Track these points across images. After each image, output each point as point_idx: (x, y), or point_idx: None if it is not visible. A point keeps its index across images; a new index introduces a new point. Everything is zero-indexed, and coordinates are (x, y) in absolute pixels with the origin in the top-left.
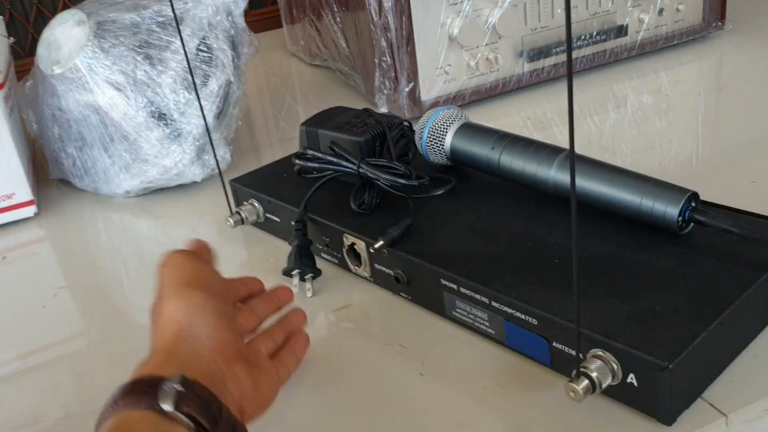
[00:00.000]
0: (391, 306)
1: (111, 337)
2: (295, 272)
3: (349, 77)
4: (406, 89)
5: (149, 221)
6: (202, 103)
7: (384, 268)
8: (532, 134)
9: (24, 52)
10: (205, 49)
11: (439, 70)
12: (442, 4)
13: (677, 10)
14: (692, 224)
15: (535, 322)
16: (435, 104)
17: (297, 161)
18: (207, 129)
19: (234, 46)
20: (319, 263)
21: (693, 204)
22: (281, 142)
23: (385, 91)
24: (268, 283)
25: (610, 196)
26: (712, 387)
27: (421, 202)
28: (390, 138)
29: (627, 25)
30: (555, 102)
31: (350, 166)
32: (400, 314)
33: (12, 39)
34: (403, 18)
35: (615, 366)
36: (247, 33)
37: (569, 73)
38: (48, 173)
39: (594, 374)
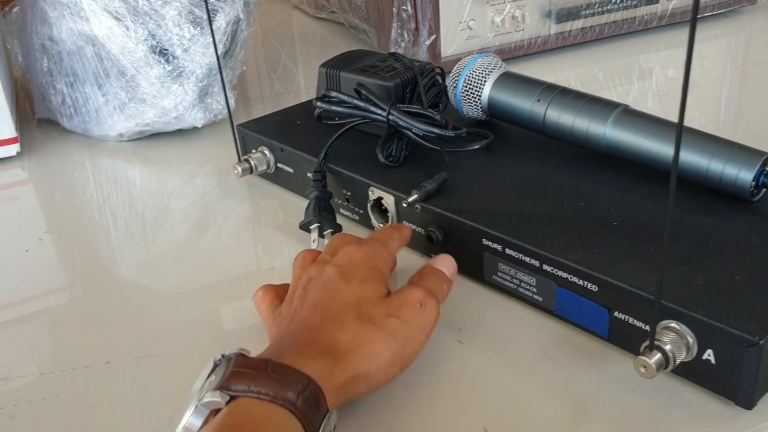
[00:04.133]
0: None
1: (94, 294)
2: (314, 226)
3: (359, 31)
4: (427, 42)
5: (142, 168)
6: (209, 39)
7: (414, 226)
8: None
9: None
10: None
11: (462, 25)
12: None
13: None
14: (764, 191)
15: (595, 288)
16: (455, 61)
17: (319, 103)
18: (219, 66)
19: None
20: (339, 220)
21: (767, 168)
22: (272, 98)
23: (403, 45)
24: (280, 241)
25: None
26: None
27: (456, 156)
28: (421, 85)
29: None
30: (581, 69)
31: (379, 112)
32: None
33: None
34: None
35: (691, 340)
36: None
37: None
38: (33, 112)
39: (668, 347)
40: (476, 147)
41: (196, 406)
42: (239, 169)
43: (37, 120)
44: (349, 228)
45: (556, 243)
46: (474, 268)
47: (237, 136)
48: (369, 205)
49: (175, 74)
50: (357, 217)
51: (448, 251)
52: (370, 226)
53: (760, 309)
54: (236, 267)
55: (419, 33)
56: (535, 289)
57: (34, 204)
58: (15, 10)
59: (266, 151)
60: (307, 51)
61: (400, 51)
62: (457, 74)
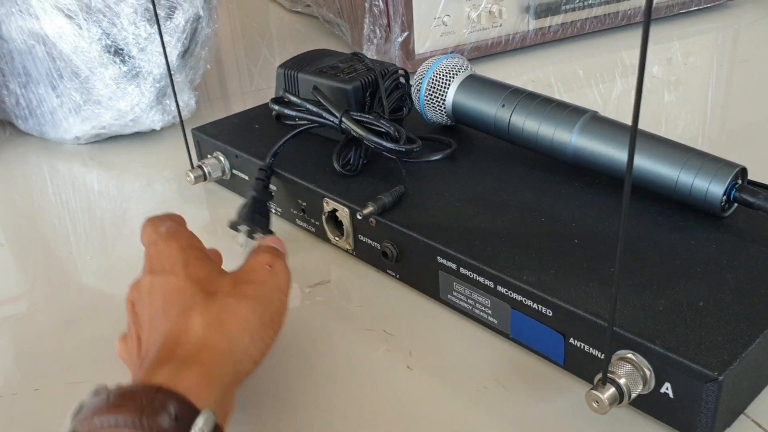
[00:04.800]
0: (376, 284)
1: (55, 300)
2: (243, 228)
3: (333, 25)
4: (399, 39)
5: (100, 172)
6: (166, 38)
7: (370, 241)
8: None
9: None
10: None
11: (437, 21)
12: None
13: None
14: (736, 205)
15: (549, 313)
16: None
17: (274, 106)
18: (168, 67)
19: None
20: (293, 231)
21: (740, 182)
22: (253, 93)
23: (375, 41)
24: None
25: (643, 168)
26: (757, 401)
27: (416, 167)
28: (383, 88)
29: None
30: (560, 65)
31: (332, 118)
32: (385, 295)
33: None
34: None
35: (648, 372)
36: None
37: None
38: None
39: (622, 381)
40: (436, 158)
41: None
42: (192, 176)
43: None
44: (306, 240)
45: (512, 262)
46: (430, 286)
47: (192, 140)
48: (324, 217)
49: (131, 75)
50: (313, 229)
51: (404, 267)
52: (327, 239)
53: (721, 340)
54: None
55: (391, 29)
56: (490, 311)
57: None
58: None
59: (221, 157)
60: (284, 45)
61: (373, 47)
62: (420, 76)
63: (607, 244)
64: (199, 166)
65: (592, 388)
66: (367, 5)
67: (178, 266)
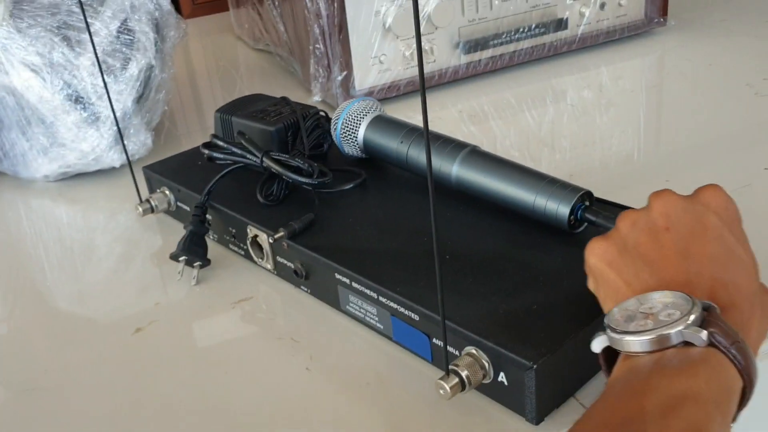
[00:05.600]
0: (292, 299)
1: (32, 323)
2: (182, 258)
3: (288, 63)
4: (339, 78)
5: (68, 207)
6: (121, 87)
7: (285, 261)
8: (468, 127)
9: None
10: (125, 31)
11: (374, 60)
12: None
13: (619, 4)
14: (586, 224)
15: (416, 318)
16: (369, 94)
17: (204, 150)
18: (113, 113)
19: (158, 29)
20: (227, 255)
21: (587, 203)
22: (211, 129)
23: (320, 80)
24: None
25: (506, 194)
26: (586, 386)
27: (330, 196)
28: (303, 128)
29: (567, 19)
30: (492, 95)
31: (254, 159)
32: (299, 307)
33: None
34: (336, 5)
35: (487, 364)
36: (174, 16)
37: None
38: None
39: (464, 372)
40: (346, 188)
41: (682, 328)
42: (140, 209)
43: None
44: (237, 262)
45: (391, 277)
46: (332, 299)
47: (144, 176)
48: (248, 241)
49: (91, 120)
50: (242, 252)
51: (312, 283)
52: (253, 261)
53: (543, 336)
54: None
55: (331, 69)
56: (377, 318)
57: None
58: None
59: (167, 191)
60: (252, 80)
61: (318, 85)
62: (337, 116)
63: (472, 260)
64: (147, 200)
65: (439, 378)
66: (311, 48)
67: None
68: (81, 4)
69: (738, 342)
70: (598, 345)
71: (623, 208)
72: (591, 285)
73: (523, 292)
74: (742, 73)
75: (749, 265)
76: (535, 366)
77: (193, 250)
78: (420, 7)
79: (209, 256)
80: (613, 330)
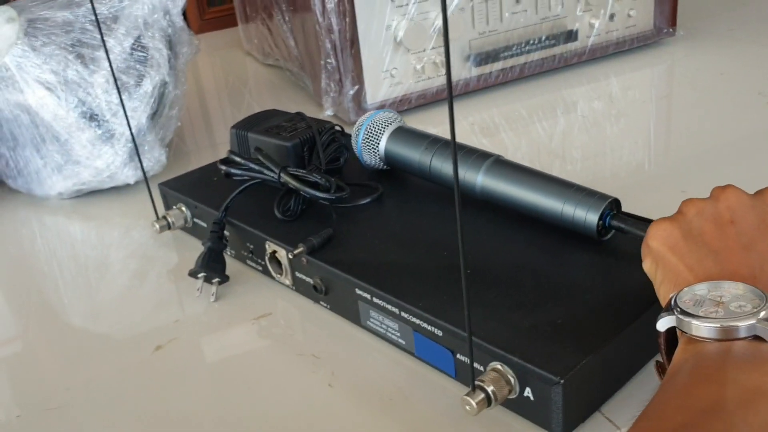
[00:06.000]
0: (311, 315)
1: (48, 339)
2: (200, 275)
3: (299, 78)
4: (351, 92)
5: (82, 224)
6: (136, 103)
7: (304, 277)
8: (479, 139)
9: None
10: (139, 48)
11: (385, 74)
12: (387, 6)
13: (628, 15)
14: (613, 231)
15: (440, 333)
16: (380, 108)
17: (222, 166)
18: (130, 129)
19: (171, 45)
20: (245, 271)
21: (614, 211)
22: (225, 144)
23: (331, 94)
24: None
25: (534, 202)
26: (612, 400)
27: (347, 210)
28: (319, 143)
29: (577, 30)
30: (503, 107)
31: (271, 174)
32: (319, 323)
33: None
34: (347, 20)
35: (512, 379)
36: (187, 32)
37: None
38: None
39: (490, 388)
40: (363, 202)
41: (754, 322)
42: (157, 226)
43: None
44: (255, 278)
45: (412, 291)
46: (352, 314)
47: (159, 193)
48: (267, 257)
49: (105, 137)
50: (260, 268)
51: (332, 299)
52: (272, 277)
53: (569, 350)
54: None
55: (343, 84)
56: (398, 334)
57: None
58: None
59: (183, 208)
60: (261, 96)
61: (330, 99)
62: (358, 127)
63: (495, 273)
64: (164, 217)
65: (465, 394)
66: (322, 62)
67: None
68: (97, 22)
69: None
70: (663, 324)
71: (647, 221)
72: (647, 266)
73: (547, 305)
74: (753, 81)
75: None
76: (562, 381)
77: (211, 267)
78: (431, 21)
79: (227, 272)
80: (682, 311)
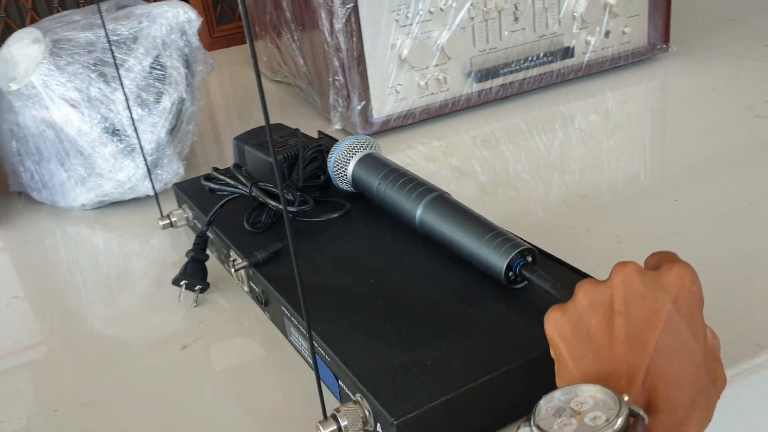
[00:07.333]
0: (256, 320)
1: (70, 345)
2: (182, 283)
3: (307, 94)
4: (358, 107)
5: (104, 233)
6: (155, 119)
7: (254, 286)
8: (481, 152)
9: None
10: (158, 67)
11: (390, 90)
12: (392, 25)
13: (623, 32)
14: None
15: (328, 358)
16: (386, 122)
17: (204, 182)
18: (139, 143)
19: (188, 64)
20: (223, 271)
21: (529, 259)
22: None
23: (339, 109)
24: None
25: (459, 242)
26: None
27: (312, 225)
28: (301, 160)
29: (574, 47)
30: (503, 121)
31: (243, 189)
32: (258, 329)
33: None
34: (354, 39)
35: (368, 413)
36: (202, 51)
37: None
38: (7, 186)
39: (344, 421)
40: (324, 218)
41: None
42: (161, 224)
43: (11, 193)
44: (229, 281)
45: (322, 314)
46: (282, 328)
47: (174, 194)
48: (231, 266)
49: (127, 151)
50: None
51: (270, 310)
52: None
53: (419, 393)
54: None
55: (350, 99)
56: (307, 352)
57: (11, 269)
58: None
59: (186, 209)
60: (270, 111)
61: (338, 114)
62: (331, 153)
63: (403, 306)
64: (167, 216)
65: (319, 421)
66: (330, 79)
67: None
68: (109, 44)
69: None
70: None
71: (570, 268)
72: (551, 351)
73: (430, 345)
74: (743, 96)
75: (699, 359)
76: (395, 422)
77: (193, 275)
78: (434, 39)
79: (209, 279)
80: (537, 427)
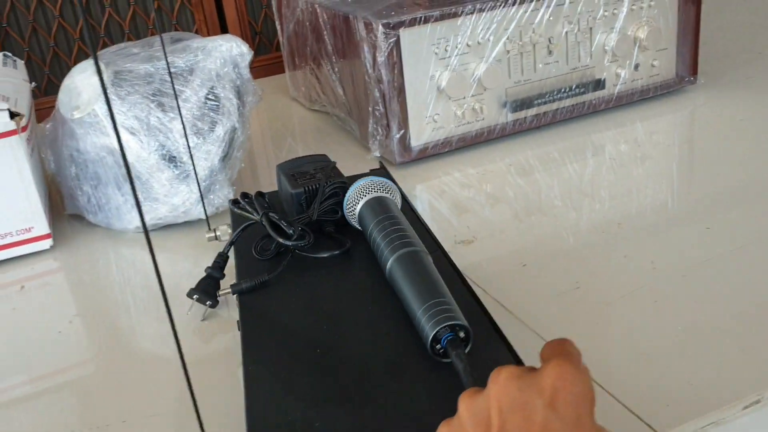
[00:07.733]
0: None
1: (118, 363)
2: (195, 297)
3: (345, 123)
4: (397, 136)
5: (157, 255)
6: (210, 147)
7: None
8: (515, 179)
9: (41, 92)
10: (212, 98)
11: (428, 119)
12: (431, 58)
13: (652, 65)
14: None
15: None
16: (424, 150)
17: (230, 206)
18: (193, 166)
19: (239, 95)
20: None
21: (462, 335)
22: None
23: (378, 137)
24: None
25: (406, 303)
26: None
27: (311, 260)
28: (320, 194)
29: (605, 79)
30: (537, 149)
31: (256, 216)
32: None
33: (33, 84)
34: (395, 71)
35: None
36: (251, 83)
37: None
38: (63, 209)
39: None
40: (320, 255)
41: None
42: (207, 236)
43: (67, 216)
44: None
45: (260, 354)
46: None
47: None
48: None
49: (182, 177)
50: None
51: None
52: None
53: None
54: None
55: (390, 128)
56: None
57: (66, 290)
58: (48, 125)
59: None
60: (305, 140)
61: (377, 143)
62: (349, 190)
63: (335, 360)
64: (214, 230)
65: None
66: (370, 109)
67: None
68: (170, 76)
69: None
70: None
71: (509, 349)
72: None
73: (331, 406)
74: None
75: None
76: None
77: (206, 291)
78: (471, 71)
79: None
80: None
